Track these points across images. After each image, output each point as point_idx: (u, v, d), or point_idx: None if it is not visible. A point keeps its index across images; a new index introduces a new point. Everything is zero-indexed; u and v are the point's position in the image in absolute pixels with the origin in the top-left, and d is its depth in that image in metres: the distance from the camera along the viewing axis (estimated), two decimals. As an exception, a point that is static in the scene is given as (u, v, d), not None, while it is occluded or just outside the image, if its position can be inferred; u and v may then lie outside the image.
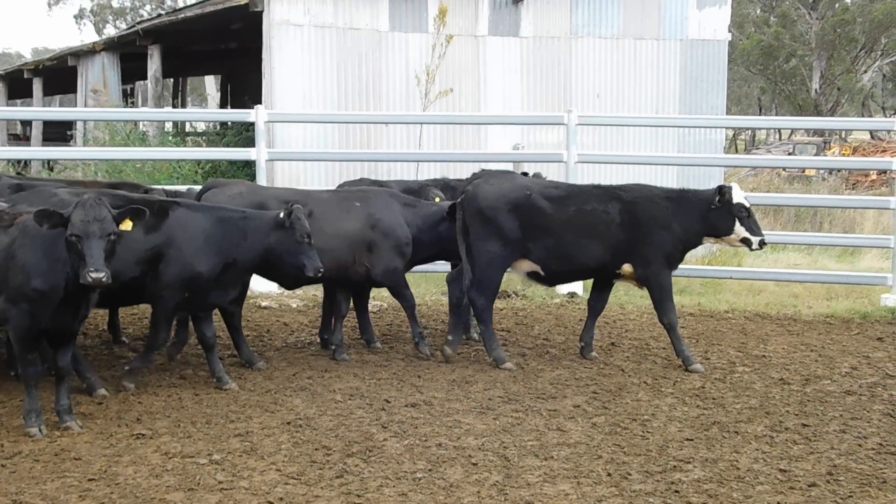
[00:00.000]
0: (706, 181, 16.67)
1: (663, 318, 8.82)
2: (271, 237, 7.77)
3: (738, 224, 8.72)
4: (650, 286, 8.81)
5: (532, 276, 8.98)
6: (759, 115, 53.80)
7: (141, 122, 20.88)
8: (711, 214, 8.73)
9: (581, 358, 9.02)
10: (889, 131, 39.48)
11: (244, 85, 26.66)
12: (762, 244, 8.84)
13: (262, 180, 11.97)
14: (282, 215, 7.77)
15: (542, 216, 8.63)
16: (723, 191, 8.71)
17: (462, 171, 12.86)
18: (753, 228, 8.78)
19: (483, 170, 9.32)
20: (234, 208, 8.08)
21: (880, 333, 10.36)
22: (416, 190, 10.17)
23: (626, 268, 8.76)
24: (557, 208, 8.66)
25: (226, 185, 9.21)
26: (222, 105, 31.74)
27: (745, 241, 8.80)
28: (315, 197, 9.01)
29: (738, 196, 8.72)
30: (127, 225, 6.62)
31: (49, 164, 21.19)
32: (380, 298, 11.34)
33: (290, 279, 8.65)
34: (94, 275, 6.17)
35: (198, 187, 9.69)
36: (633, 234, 8.65)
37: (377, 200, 8.98)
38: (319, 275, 7.89)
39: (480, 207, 8.65)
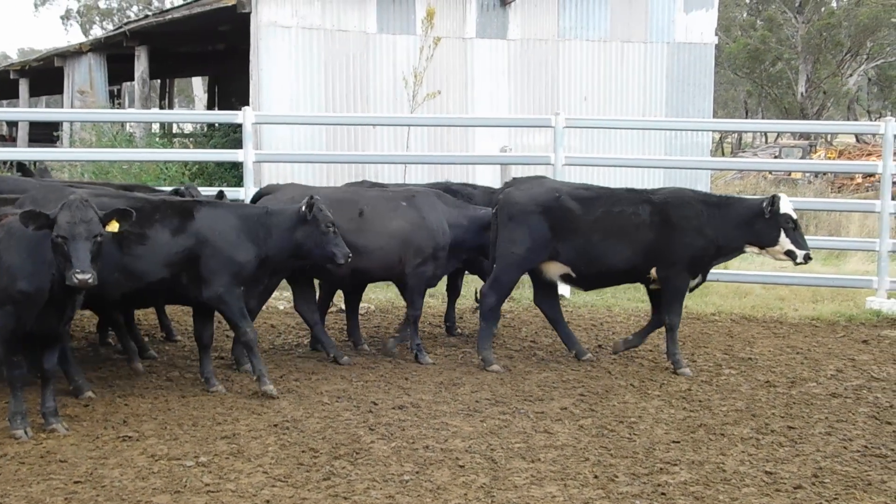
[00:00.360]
0: (692, 184, 16.68)
1: (666, 317, 8.79)
2: (297, 233, 7.78)
3: (783, 235, 8.59)
4: (665, 285, 8.77)
5: (566, 279, 8.99)
6: (746, 118, 53.94)
7: (128, 124, 20.81)
8: (757, 223, 8.60)
9: (567, 360, 9.03)
10: (874, 135, 39.65)
11: (231, 86, 26.61)
12: (807, 258, 8.70)
13: (249, 182, 11.96)
14: (303, 209, 7.76)
15: (572, 218, 8.63)
16: (773, 200, 8.56)
17: (449, 174, 12.85)
18: (799, 241, 8.64)
19: (514, 178, 9.31)
20: (256, 206, 8.09)
21: (865, 336, 10.41)
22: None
23: (654, 272, 8.75)
24: (587, 211, 8.65)
25: (278, 189, 9.20)
26: (209, 107, 31.67)
27: (790, 254, 8.67)
28: (366, 196, 9.07)
29: (786, 207, 8.57)
30: (113, 226, 6.59)
31: (35, 166, 21.09)
32: (366, 300, 11.33)
33: (330, 274, 8.82)
34: (80, 276, 6.15)
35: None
36: (663, 237, 8.60)
37: (423, 201, 9.07)
38: (349, 261, 7.92)
39: (512, 213, 8.70)
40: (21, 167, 9.89)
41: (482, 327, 8.88)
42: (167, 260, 7.47)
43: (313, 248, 7.84)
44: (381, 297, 11.69)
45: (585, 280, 9.07)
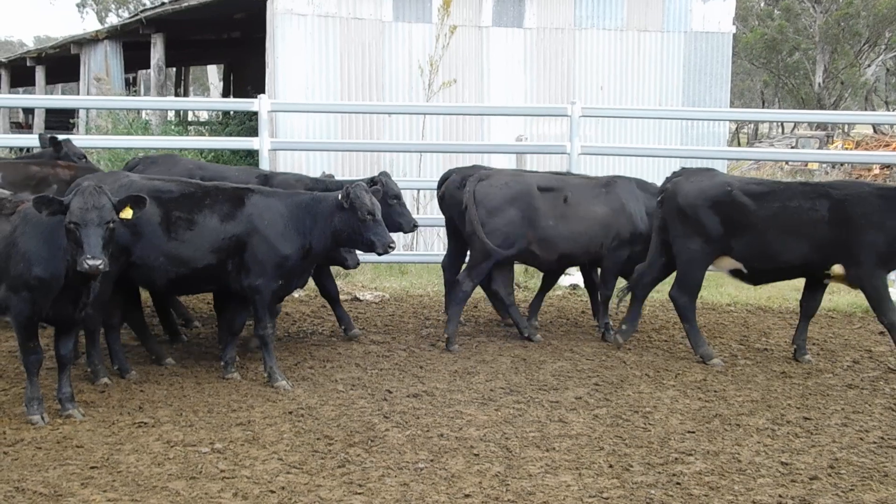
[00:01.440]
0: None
1: (883, 319, 8.54)
2: (335, 220, 7.71)
3: None
4: (863, 288, 8.57)
5: (735, 273, 8.88)
6: (762, 108, 53.70)
7: (143, 111, 20.85)
8: None
9: (581, 349, 9.02)
10: (892, 125, 39.41)
11: (247, 74, 26.66)
12: None
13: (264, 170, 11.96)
14: (340, 196, 7.71)
15: (745, 213, 8.54)
16: None
17: (465, 163, 12.82)
18: None
19: (683, 168, 9.30)
20: (306, 194, 8.02)
21: (882, 328, 10.32)
22: None
23: (837, 268, 8.55)
24: (760, 205, 8.54)
25: (491, 175, 9.27)
26: (225, 95, 31.73)
27: None
28: (571, 183, 9.30)
29: None
30: (127, 213, 6.60)
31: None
32: (382, 289, 11.35)
33: (535, 258, 9.27)
34: (90, 262, 6.16)
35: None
36: (843, 232, 8.40)
37: (624, 188, 9.36)
38: (391, 250, 7.81)
39: (680, 205, 8.69)
40: (53, 141, 9.95)
41: (687, 328, 8.89)
42: (215, 246, 7.49)
43: (352, 235, 7.75)
44: (395, 285, 11.69)
45: (757, 277, 8.94)
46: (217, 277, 7.65)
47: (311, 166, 16.43)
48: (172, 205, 7.43)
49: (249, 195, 7.70)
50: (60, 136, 10.20)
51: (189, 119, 27.73)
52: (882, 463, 6.25)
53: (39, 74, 28.71)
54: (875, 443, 6.64)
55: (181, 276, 7.53)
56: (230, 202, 7.59)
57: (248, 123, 19.50)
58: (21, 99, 28.11)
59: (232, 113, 21.10)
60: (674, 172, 9.08)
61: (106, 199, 6.35)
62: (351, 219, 7.67)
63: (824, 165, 31.08)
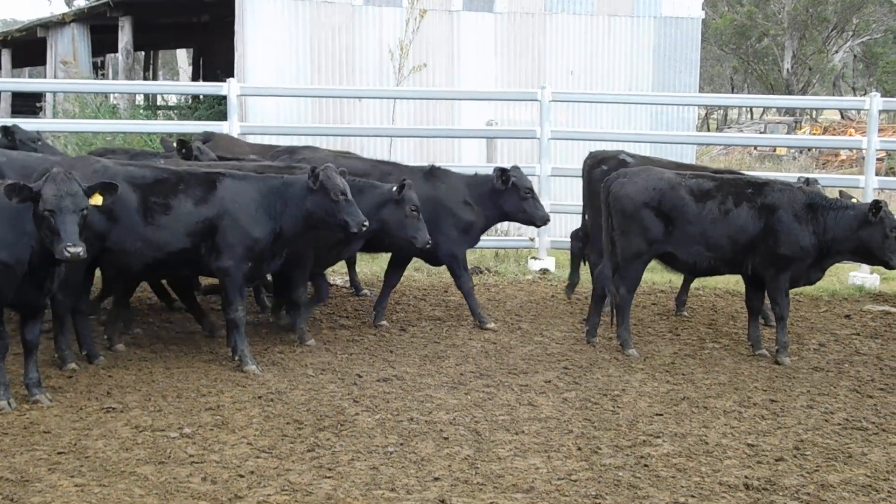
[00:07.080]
0: (678, 159, 16.72)
1: None
2: (307, 203, 7.70)
3: None
4: None
5: None
6: (732, 94, 53.95)
7: (112, 95, 20.65)
8: None
9: (551, 333, 9.06)
10: (859, 111, 39.61)
11: (217, 58, 26.42)
12: None
13: (234, 154, 11.89)
14: (308, 178, 7.69)
15: None
16: None
17: (435, 148, 12.84)
18: None
19: None
20: (276, 178, 7.98)
21: (848, 311, 10.46)
22: None
23: None
24: None
25: None
26: (194, 79, 31.44)
27: None
28: None
29: None
30: (97, 199, 6.55)
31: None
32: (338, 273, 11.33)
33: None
34: (71, 249, 6.13)
35: None
36: None
37: None
38: (364, 229, 7.81)
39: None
40: (4, 130, 9.86)
41: None
42: (190, 230, 7.48)
43: (325, 217, 7.74)
44: (365, 271, 11.68)
45: None
46: (191, 261, 7.65)
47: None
48: (148, 190, 7.41)
49: (221, 179, 7.69)
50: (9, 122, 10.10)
51: (158, 103, 27.47)
52: (846, 444, 6.33)
53: (5, 58, 28.32)
54: (840, 424, 6.73)
55: (158, 260, 7.51)
56: (203, 186, 7.57)
57: (217, 107, 19.34)
58: (-13, 82, 27.66)
59: (201, 97, 20.95)
60: None
61: (77, 185, 6.31)
62: (323, 200, 7.67)
63: (792, 150, 31.34)
